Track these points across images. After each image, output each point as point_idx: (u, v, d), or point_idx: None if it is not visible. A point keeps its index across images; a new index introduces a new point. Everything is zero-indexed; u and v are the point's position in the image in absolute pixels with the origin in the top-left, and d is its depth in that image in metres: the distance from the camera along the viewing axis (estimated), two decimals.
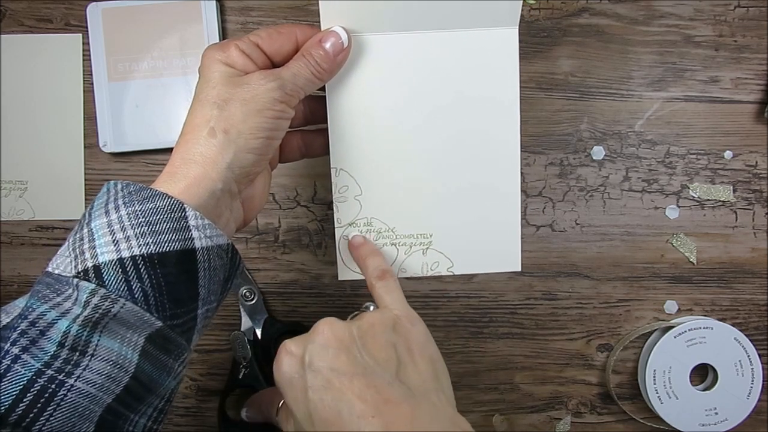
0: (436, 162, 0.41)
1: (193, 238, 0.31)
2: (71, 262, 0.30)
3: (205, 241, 0.31)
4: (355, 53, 0.39)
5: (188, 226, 0.31)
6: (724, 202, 0.55)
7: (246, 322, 0.53)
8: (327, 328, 0.32)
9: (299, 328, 0.53)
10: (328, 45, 0.36)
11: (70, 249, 0.30)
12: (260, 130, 0.34)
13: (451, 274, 0.42)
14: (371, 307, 0.38)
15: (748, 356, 0.53)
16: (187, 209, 0.31)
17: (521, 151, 0.54)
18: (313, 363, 0.31)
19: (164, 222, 0.30)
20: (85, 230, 0.31)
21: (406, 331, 0.34)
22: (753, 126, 0.55)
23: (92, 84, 0.53)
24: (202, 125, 0.33)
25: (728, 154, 0.55)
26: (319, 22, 0.37)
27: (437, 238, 0.41)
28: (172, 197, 0.31)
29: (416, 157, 0.40)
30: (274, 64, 0.37)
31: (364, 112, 0.40)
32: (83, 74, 0.53)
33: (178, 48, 0.52)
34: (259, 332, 0.53)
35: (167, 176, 0.33)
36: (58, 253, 0.31)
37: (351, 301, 0.55)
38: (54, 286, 0.30)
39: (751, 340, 0.53)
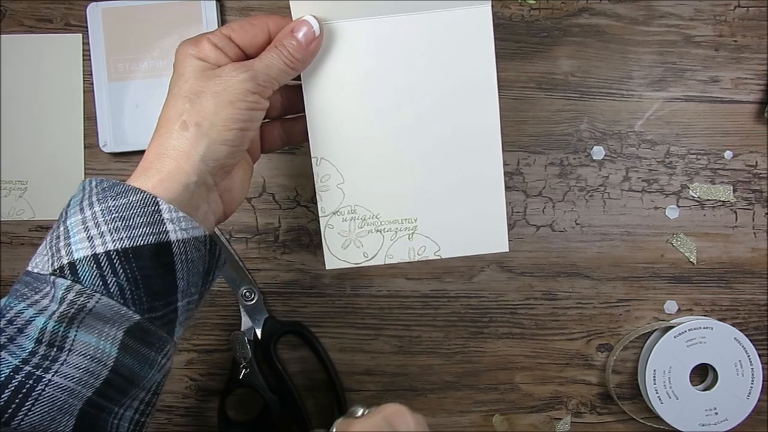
0: (417, 146, 0.40)
1: (167, 231, 0.31)
2: (48, 260, 0.30)
3: (181, 233, 0.32)
4: (328, 41, 0.39)
5: (162, 220, 0.31)
6: (724, 202, 0.55)
7: (246, 322, 0.53)
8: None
9: (299, 328, 0.54)
10: (300, 35, 0.36)
11: (47, 247, 0.31)
12: (233, 121, 0.34)
13: (439, 257, 0.41)
14: (358, 411, 0.40)
15: (748, 356, 0.53)
16: (160, 202, 0.31)
17: (521, 150, 0.54)
18: None
19: (138, 216, 0.31)
20: (61, 228, 0.31)
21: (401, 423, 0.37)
22: (753, 126, 0.55)
23: (92, 84, 0.53)
24: (175, 119, 0.34)
25: (728, 154, 0.55)
26: (290, 12, 0.37)
27: (422, 222, 0.41)
28: (144, 192, 0.31)
29: (396, 142, 0.40)
30: (248, 56, 0.37)
31: (341, 100, 0.40)
32: (83, 74, 0.53)
33: None
34: (259, 332, 0.53)
35: (142, 171, 0.33)
36: (37, 251, 0.32)
37: (351, 301, 0.55)
38: (32, 284, 0.30)
39: (751, 340, 0.53)
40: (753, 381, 0.53)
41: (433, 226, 0.41)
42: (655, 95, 0.54)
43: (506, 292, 0.55)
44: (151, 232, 0.31)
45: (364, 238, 0.41)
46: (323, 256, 0.42)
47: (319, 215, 0.41)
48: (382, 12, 0.38)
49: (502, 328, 0.55)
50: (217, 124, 0.34)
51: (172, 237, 0.31)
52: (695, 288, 0.55)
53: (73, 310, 0.29)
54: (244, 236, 0.54)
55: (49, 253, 0.31)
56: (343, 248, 0.41)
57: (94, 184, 0.32)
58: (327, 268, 0.42)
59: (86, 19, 0.52)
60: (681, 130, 0.55)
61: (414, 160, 0.40)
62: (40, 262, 0.31)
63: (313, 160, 0.40)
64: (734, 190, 0.55)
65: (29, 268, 0.31)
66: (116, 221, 0.30)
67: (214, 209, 0.36)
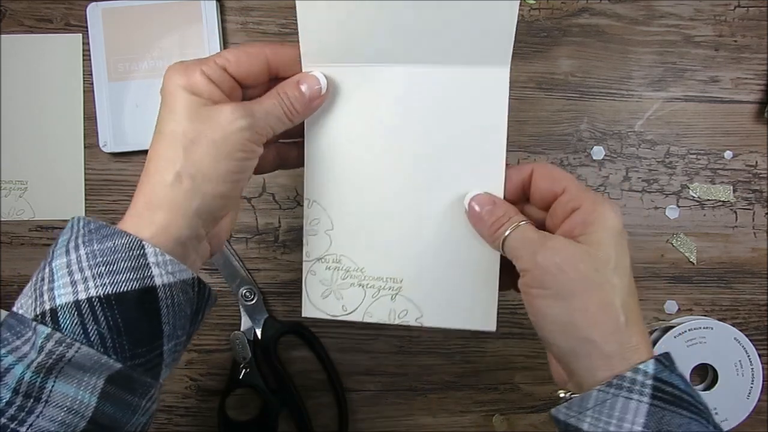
0: (412, 205, 0.38)
1: (153, 276, 0.30)
2: (32, 303, 0.30)
3: (167, 277, 0.31)
4: (337, 83, 0.37)
5: (147, 264, 0.30)
6: (724, 202, 0.55)
7: (246, 322, 0.53)
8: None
9: (299, 328, 0.53)
10: (304, 88, 0.35)
11: (32, 289, 0.30)
12: (229, 173, 0.32)
13: (420, 325, 0.39)
14: None
15: (748, 356, 0.53)
16: (146, 246, 0.30)
17: (521, 150, 0.54)
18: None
19: (122, 261, 0.30)
20: (47, 270, 0.30)
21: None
22: (753, 126, 0.55)
23: (92, 84, 0.53)
24: (168, 168, 0.32)
25: (728, 154, 0.55)
26: (291, 36, 0.37)
27: (408, 284, 0.38)
28: (131, 235, 0.30)
29: (392, 197, 0.38)
30: (243, 87, 0.35)
31: (342, 146, 0.38)
32: (83, 74, 0.53)
33: (178, 48, 0.52)
34: (259, 332, 0.53)
35: (133, 219, 0.32)
36: (24, 291, 0.31)
37: None
38: (15, 328, 0.29)
39: (751, 340, 0.53)
40: (753, 381, 0.53)
41: (419, 291, 0.38)
42: (655, 95, 0.54)
43: (506, 292, 0.55)
44: (136, 277, 0.30)
45: (345, 291, 0.39)
46: (301, 300, 0.40)
47: (303, 259, 0.40)
48: (394, 60, 0.36)
49: (502, 328, 0.55)
50: (213, 178, 0.32)
51: (158, 281, 0.30)
52: (695, 288, 0.55)
53: (51, 360, 0.28)
54: (244, 236, 0.54)
55: (33, 296, 0.30)
56: (323, 297, 0.40)
57: (81, 224, 0.32)
58: (303, 315, 0.40)
59: (86, 19, 0.52)
60: (681, 130, 0.55)
61: (408, 219, 0.38)
62: (24, 304, 0.30)
63: (305, 201, 0.39)
64: (734, 190, 0.55)
65: (15, 309, 0.30)
66: (100, 266, 0.30)
67: (202, 254, 0.35)
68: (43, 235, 0.54)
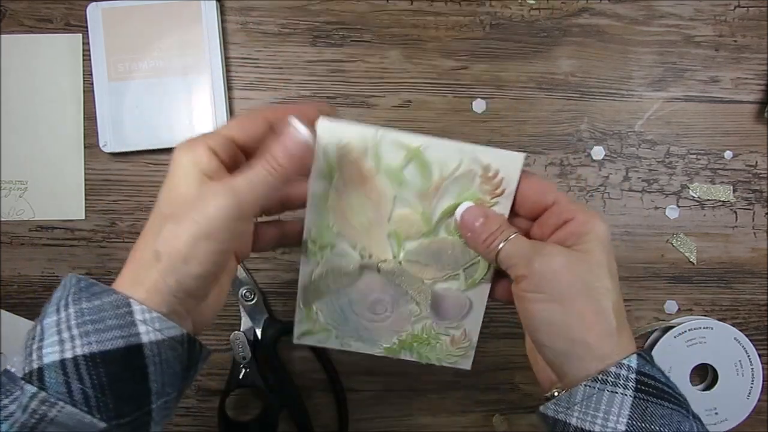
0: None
1: (139, 333, 0.30)
2: (23, 361, 0.30)
3: (154, 334, 0.30)
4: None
5: (134, 321, 0.30)
6: (724, 202, 0.55)
7: (246, 322, 0.53)
8: None
9: None
10: (287, 141, 0.33)
11: (25, 347, 0.30)
12: (208, 254, 0.31)
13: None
14: None
15: (748, 356, 0.53)
16: (132, 303, 0.30)
17: (521, 151, 0.54)
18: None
19: (109, 318, 0.30)
20: (38, 328, 0.30)
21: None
22: (753, 126, 0.55)
23: (92, 84, 0.53)
24: (149, 243, 0.32)
25: (728, 154, 0.55)
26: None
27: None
28: (118, 293, 0.30)
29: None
30: (248, 152, 0.34)
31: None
32: (83, 74, 0.53)
33: (178, 48, 0.52)
34: (259, 332, 0.53)
35: (129, 283, 0.32)
36: (20, 348, 0.31)
37: None
38: (6, 386, 0.29)
39: (751, 340, 0.53)
40: (753, 381, 0.53)
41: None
42: (655, 95, 0.54)
43: None
44: (121, 335, 0.30)
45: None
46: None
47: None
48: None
49: (502, 328, 0.55)
50: (190, 259, 0.31)
51: (145, 339, 0.30)
52: (695, 288, 0.55)
53: (34, 420, 0.28)
54: None
55: (24, 354, 0.30)
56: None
57: (74, 281, 0.32)
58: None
59: (86, 19, 0.52)
60: (681, 130, 0.55)
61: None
62: (17, 362, 0.30)
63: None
64: (734, 190, 0.55)
65: (8, 367, 0.30)
66: (87, 324, 0.30)
67: (193, 318, 0.34)
68: (43, 235, 0.54)
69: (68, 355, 0.29)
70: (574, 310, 0.32)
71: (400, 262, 0.39)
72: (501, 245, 0.35)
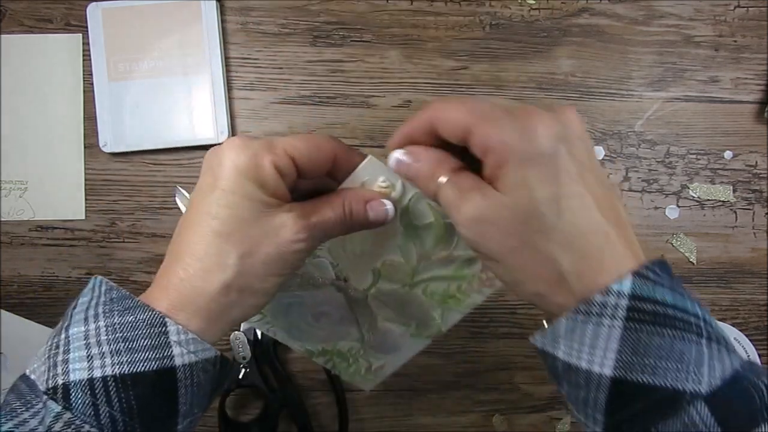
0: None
1: (173, 356, 0.28)
2: (45, 372, 0.28)
3: (188, 357, 0.29)
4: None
5: (168, 342, 0.28)
6: (724, 202, 0.55)
7: (246, 322, 0.53)
8: (578, 120, 0.28)
9: None
10: (371, 211, 0.32)
11: (47, 355, 0.29)
12: (274, 287, 0.31)
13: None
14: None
15: (748, 356, 0.53)
16: (168, 324, 0.28)
17: None
18: (574, 151, 0.27)
19: (142, 338, 0.28)
20: (63, 336, 0.29)
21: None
22: (753, 126, 0.55)
23: (92, 84, 0.53)
24: (216, 275, 0.29)
25: (728, 154, 0.55)
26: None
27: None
28: (153, 310, 0.29)
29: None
30: (300, 177, 0.32)
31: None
32: (83, 74, 0.53)
33: (178, 48, 0.52)
34: (259, 332, 0.53)
35: (178, 305, 0.29)
36: (38, 353, 0.29)
37: None
38: (26, 396, 0.28)
39: (751, 340, 0.53)
40: None
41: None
42: (655, 95, 0.54)
43: (506, 292, 0.55)
44: (155, 357, 0.28)
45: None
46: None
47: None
48: None
49: (502, 328, 0.55)
50: (259, 293, 0.30)
51: (178, 362, 0.28)
52: (695, 288, 0.55)
53: None
54: None
55: (47, 364, 0.28)
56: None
57: (103, 289, 0.30)
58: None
59: (86, 19, 0.52)
60: (681, 130, 0.55)
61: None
62: (37, 370, 0.29)
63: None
64: (734, 190, 0.55)
65: (27, 372, 0.29)
66: (119, 342, 0.28)
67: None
68: (43, 235, 0.54)
69: (97, 374, 0.27)
70: (515, 266, 0.28)
71: (366, 295, 0.38)
72: (441, 183, 0.30)
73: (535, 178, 0.27)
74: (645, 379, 0.25)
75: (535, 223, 0.27)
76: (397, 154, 0.31)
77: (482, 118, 0.28)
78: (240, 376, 0.52)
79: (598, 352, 0.26)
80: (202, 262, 0.29)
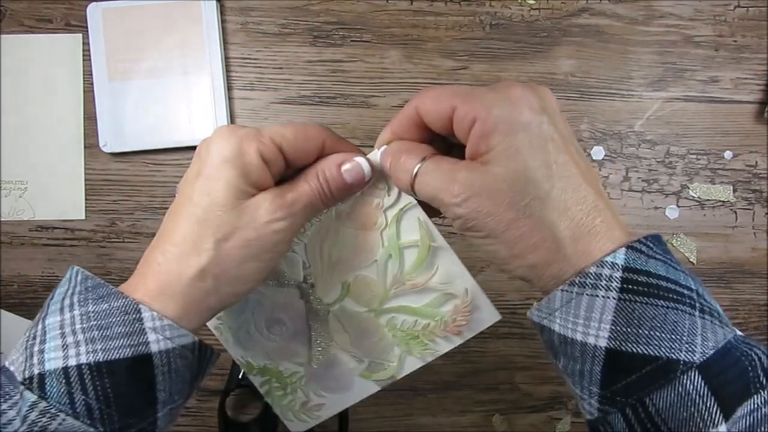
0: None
1: (148, 342, 0.28)
2: (22, 363, 0.28)
3: (164, 343, 0.28)
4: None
5: (143, 329, 0.28)
6: (724, 202, 0.55)
7: None
8: (553, 96, 0.29)
9: None
10: (346, 172, 0.31)
11: (25, 346, 0.29)
12: (253, 274, 0.30)
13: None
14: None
15: None
16: (142, 310, 0.28)
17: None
18: (556, 123, 0.28)
19: (117, 325, 0.28)
20: (39, 327, 0.29)
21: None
22: (753, 126, 0.55)
23: (92, 84, 0.53)
24: (192, 259, 0.29)
25: (728, 154, 0.55)
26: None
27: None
28: (127, 297, 0.28)
29: None
30: (289, 167, 0.31)
31: None
32: (83, 74, 0.53)
33: (178, 48, 0.52)
34: None
35: (155, 293, 0.29)
36: (18, 344, 0.29)
37: None
38: (4, 388, 0.28)
39: None
40: None
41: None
42: (655, 95, 0.54)
43: (506, 292, 0.55)
44: (129, 344, 0.28)
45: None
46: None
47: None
48: None
49: (502, 328, 0.55)
50: (238, 279, 0.30)
51: (154, 348, 0.28)
52: None
53: None
54: None
55: (24, 355, 0.28)
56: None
57: (80, 278, 0.30)
58: None
59: (86, 19, 0.52)
60: (681, 130, 0.55)
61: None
62: (16, 361, 0.29)
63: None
64: (734, 190, 0.55)
65: (6, 364, 0.29)
66: (93, 330, 0.28)
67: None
68: (43, 235, 0.54)
69: (72, 362, 0.27)
70: (512, 238, 0.28)
71: (329, 311, 0.36)
72: (414, 176, 0.30)
73: (525, 147, 0.27)
74: (639, 350, 0.26)
75: (532, 190, 0.27)
76: (376, 152, 0.32)
77: (466, 95, 0.28)
78: (240, 376, 0.52)
79: (593, 324, 0.26)
80: (179, 247, 0.29)
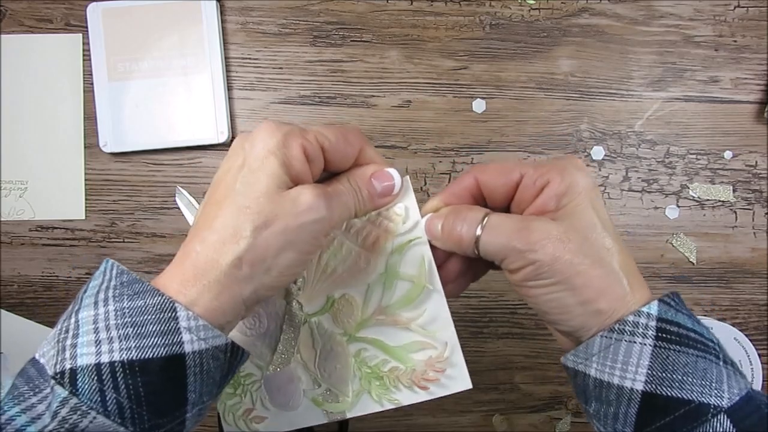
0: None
1: (182, 342, 0.28)
2: (54, 356, 0.28)
3: (198, 344, 0.28)
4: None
5: (178, 328, 0.28)
6: (723, 202, 0.55)
7: None
8: None
9: None
10: (377, 183, 0.33)
11: (56, 339, 0.28)
12: (290, 266, 0.30)
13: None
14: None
15: (748, 356, 0.53)
16: (178, 309, 0.28)
17: (521, 150, 0.54)
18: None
19: (151, 323, 0.28)
20: (72, 320, 0.28)
21: None
22: (753, 126, 0.55)
23: (92, 84, 0.53)
24: (230, 246, 0.29)
25: (728, 154, 0.55)
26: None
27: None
28: (163, 295, 0.28)
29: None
30: (326, 169, 0.33)
31: None
32: (83, 74, 0.53)
33: (178, 48, 0.52)
34: None
35: (176, 279, 0.29)
36: (49, 336, 0.29)
37: None
38: (34, 381, 0.28)
39: (751, 340, 0.53)
40: (753, 381, 0.53)
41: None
42: (655, 95, 0.54)
43: (506, 292, 0.55)
44: (163, 343, 0.28)
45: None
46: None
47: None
48: None
49: (502, 328, 0.55)
50: (274, 270, 0.30)
51: (187, 348, 0.28)
52: (695, 288, 0.55)
53: (63, 430, 0.26)
54: None
55: (56, 348, 0.28)
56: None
57: (115, 272, 0.30)
58: None
59: (86, 19, 0.52)
60: (681, 130, 0.55)
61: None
62: (46, 354, 0.28)
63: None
64: (734, 190, 0.55)
65: (36, 356, 0.29)
66: (128, 327, 0.28)
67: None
68: (43, 235, 0.54)
69: (105, 359, 0.27)
70: (582, 284, 0.30)
71: (305, 320, 0.36)
72: (478, 232, 0.31)
73: (596, 203, 0.31)
74: (674, 393, 0.28)
75: (602, 243, 0.30)
76: (431, 218, 0.34)
77: (535, 164, 0.32)
78: None
79: (630, 368, 0.29)
80: (218, 234, 0.29)
